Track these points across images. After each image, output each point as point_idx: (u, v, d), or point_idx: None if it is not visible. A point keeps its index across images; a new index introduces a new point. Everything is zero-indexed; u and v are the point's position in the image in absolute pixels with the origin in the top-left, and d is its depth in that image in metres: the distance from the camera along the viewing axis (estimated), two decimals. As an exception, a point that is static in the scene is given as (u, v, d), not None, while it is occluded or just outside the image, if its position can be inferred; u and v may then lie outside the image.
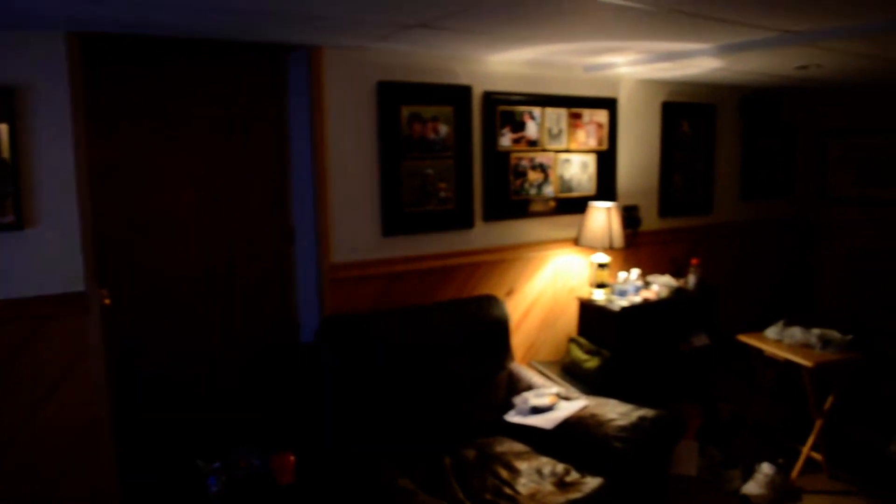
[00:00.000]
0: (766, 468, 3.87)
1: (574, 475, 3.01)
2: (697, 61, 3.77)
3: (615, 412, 3.19)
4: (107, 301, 3.12)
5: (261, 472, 3.11)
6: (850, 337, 4.07)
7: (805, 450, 4.07)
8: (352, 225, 3.47)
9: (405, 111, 3.54)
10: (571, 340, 4.05)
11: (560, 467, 3.06)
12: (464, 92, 3.73)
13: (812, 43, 3.19)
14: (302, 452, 3.11)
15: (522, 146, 3.97)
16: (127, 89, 3.24)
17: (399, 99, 3.52)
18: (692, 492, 3.89)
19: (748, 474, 3.91)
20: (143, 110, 3.28)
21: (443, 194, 3.70)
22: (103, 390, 2.99)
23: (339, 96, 3.39)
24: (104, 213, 3.19)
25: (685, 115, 4.82)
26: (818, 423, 4.04)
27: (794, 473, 4.03)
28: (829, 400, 4.01)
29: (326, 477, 2.94)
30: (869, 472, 4.05)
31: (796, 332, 4.11)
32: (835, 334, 4.05)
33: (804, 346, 4.03)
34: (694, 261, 4.42)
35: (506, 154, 3.91)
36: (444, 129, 3.67)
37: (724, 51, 3.40)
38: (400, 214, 3.58)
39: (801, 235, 5.90)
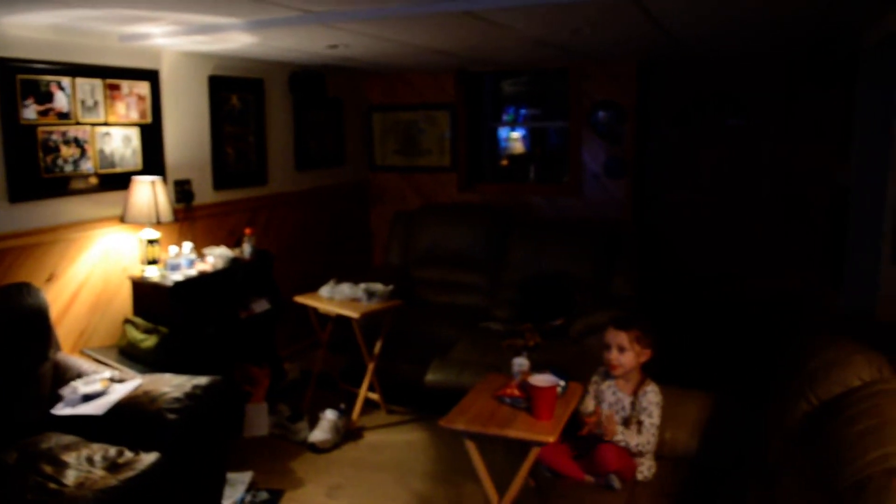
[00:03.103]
0: (328, 415, 4.22)
1: (127, 455, 2.93)
2: (232, 36, 3.85)
3: (169, 385, 3.18)
4: None
5: None
6: (391, 287, 4.59)
7: (362, 392, 4.52)
8: None
9: None
10: (127, 321, 3.89)
11: (113, 451, 2.96)
12: (-29, 58, 3.30)
13: (329, 24, 3.49)
14: None
15: (52, 119, 3.65)
16: None
17: None
18: (264, 449, 4.09)
19: (315, 424, 4.23)
20: None
21: (-48, 174, 3.25)
22: None
23: None
24: None
25: (234, 88, 4.89)
26: (370, 367, 4.51)
27: (355, 415, 4.46)
28: (378, 344, 4.51)
29: None
30: (416, 402, 4.66)
31: (345, 289, 4.51)
32: (378, 286, 4.53)
33: (353, 300, 4.45)
34: (248, 230, 4.54)
35: (32, 127, 3.55)
36: (-53, 99, 3.21)
37: (254, 26, 3.53)
38: None
39: (355, 201, 6.47)
